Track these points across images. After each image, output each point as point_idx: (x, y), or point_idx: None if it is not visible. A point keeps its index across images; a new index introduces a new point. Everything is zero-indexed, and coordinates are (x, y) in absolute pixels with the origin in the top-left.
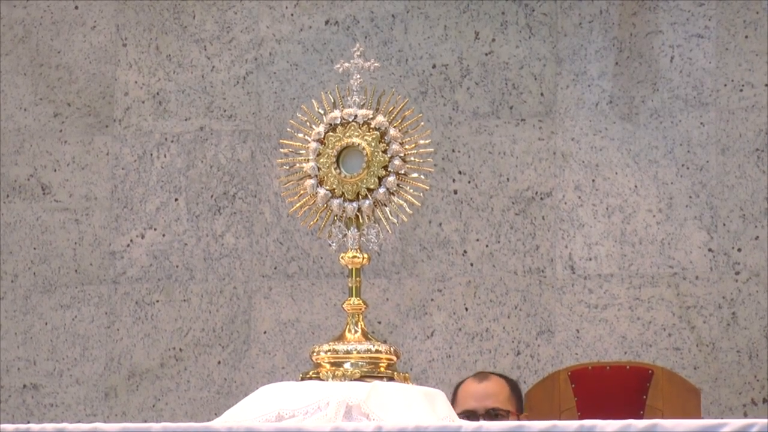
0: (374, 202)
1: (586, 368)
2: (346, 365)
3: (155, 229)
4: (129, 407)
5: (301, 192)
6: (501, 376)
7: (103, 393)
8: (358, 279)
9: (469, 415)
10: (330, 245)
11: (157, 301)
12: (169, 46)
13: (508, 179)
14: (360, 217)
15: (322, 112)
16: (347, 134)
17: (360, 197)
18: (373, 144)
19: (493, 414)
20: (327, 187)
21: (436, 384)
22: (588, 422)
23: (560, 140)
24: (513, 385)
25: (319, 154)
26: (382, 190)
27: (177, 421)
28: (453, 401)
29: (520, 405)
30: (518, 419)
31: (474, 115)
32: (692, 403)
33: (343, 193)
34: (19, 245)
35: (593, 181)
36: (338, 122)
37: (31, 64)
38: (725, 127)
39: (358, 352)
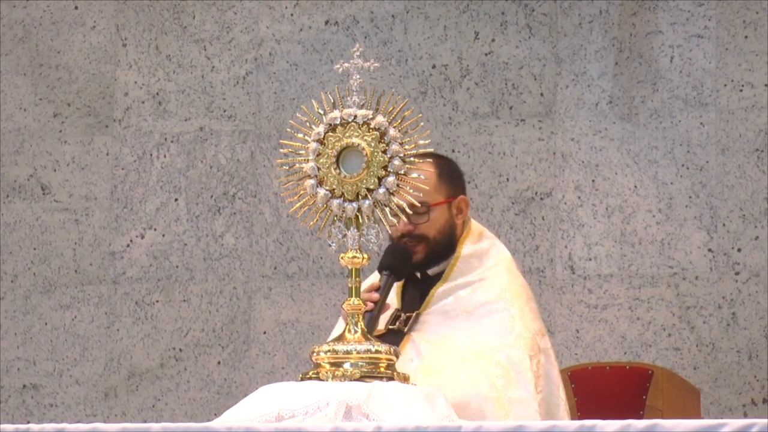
0: (374, 203)
1: (586, 368)
2: (346, 365)
3: (155, 230)
4: (129, 407)
5: (301, 192)
6: (432, 158)
7: (103, 393)
8: (358, 279)
9: None
10: (330, 245)
11: (157, 301)
12: (168, 46)
13: (507, 179)
14: (360, 217)
15: (321, 112)
16: (347, 134)
17: (360, 197)
18: (372, 144)
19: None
20: (327, 188)
21: None
22: (588, 422)
23: (560, 140)
24: (442, 168)
25: (318, 155)
26: (381, 190)
27: (177, 422)
28: None
29: (454, 187)
30: (449, 205)
31: (474, 115)
32: (692, 404)
33: (342, 193)
34: (19, 245)
35: (593, 181)
36: (338, 122)
37: (31, 64)
38: (725, 128)
39: (358, 353)
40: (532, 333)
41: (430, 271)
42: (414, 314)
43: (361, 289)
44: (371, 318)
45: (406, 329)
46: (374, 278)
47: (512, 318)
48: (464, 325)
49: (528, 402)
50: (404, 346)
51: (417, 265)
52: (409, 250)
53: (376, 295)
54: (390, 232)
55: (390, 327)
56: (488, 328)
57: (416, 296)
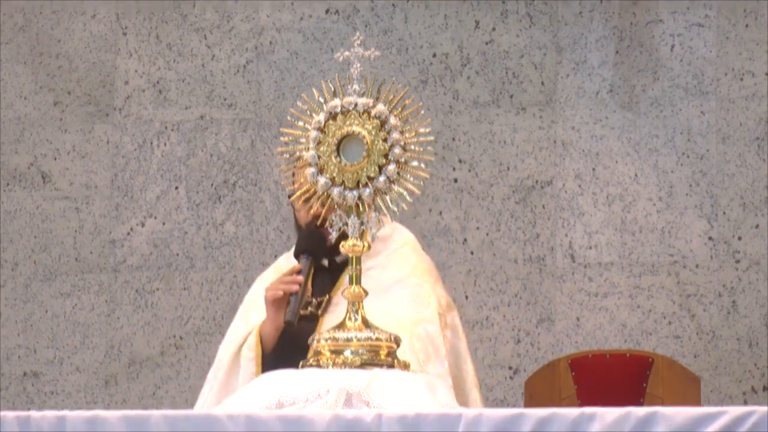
0: (374, 191)
1: (587, 356)
2: (347, 353)
3: (155, 218)
4: (129, 395)
5: (302, 180)
6: None
7: (104, 381)
8: (358, 267)
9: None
10: (330, 233)
11: (158, 289)
12: (169, 34)
13: (508, 168)
14: (360, 205)
15: (322, 100)
16: (347, 123)
17: (360, 186)
18: (373, 132)
19: None
20: (327, 176)
21: None
22: (588, 410)
23: (560, 129)
24: None
25: (319, 143)
26: (382, 178)
27: (177, 409)
28: None
29: None
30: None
31: (474, 104)
32: (692, 391)
33: (343, 181)
34: (20, 233)
35: (593, 169)
36: (338, 111)
37: (32, 52)
38: (725, 116)
39: (359, 340)
40: (443, 309)
41: (338, 258)
42: (326, 297)
43: (282, 273)
44: (297, 300)
45: (319, 312)
46: (282, 264)
47: (427, 293)
48: (380, 302)
49: (444, 378)
50: (321, 329)
51: (331, 249)
52: (322, 233)
53: (300, 278)
54: (298, 217)
55: (302, 312)
56: (405, 302)
57: (326, 281)
